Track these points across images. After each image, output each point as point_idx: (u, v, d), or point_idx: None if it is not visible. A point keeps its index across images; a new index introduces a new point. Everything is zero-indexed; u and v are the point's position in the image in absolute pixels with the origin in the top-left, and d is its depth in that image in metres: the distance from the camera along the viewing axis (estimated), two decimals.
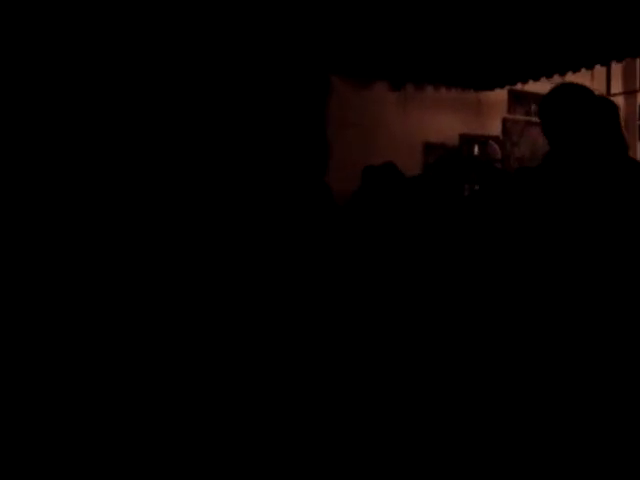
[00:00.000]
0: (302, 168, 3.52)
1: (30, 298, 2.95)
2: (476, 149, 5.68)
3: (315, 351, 2.58)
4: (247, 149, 3.75)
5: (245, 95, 3.80)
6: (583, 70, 4.72)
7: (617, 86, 6.25)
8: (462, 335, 2.29)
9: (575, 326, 1.75)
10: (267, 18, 3.72)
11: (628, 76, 6.34)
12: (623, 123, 1.99)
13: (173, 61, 3.58)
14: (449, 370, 2.31)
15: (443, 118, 5.63)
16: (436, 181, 3.15)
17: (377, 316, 2.62)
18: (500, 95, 5.93)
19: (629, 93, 6.31)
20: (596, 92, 2.03)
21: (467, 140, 5.73)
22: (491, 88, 5.66)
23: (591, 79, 5.11)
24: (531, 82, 5.26)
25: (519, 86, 5.60)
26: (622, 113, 2.05)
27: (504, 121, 6.07)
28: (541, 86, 4.91)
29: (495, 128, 6.00)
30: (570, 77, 4.60)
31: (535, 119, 5.83)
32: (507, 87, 5.74)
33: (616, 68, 5.92)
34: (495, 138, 5.89)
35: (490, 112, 5.93)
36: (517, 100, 6.09)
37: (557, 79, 4.78)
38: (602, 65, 4.79)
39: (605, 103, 1.98)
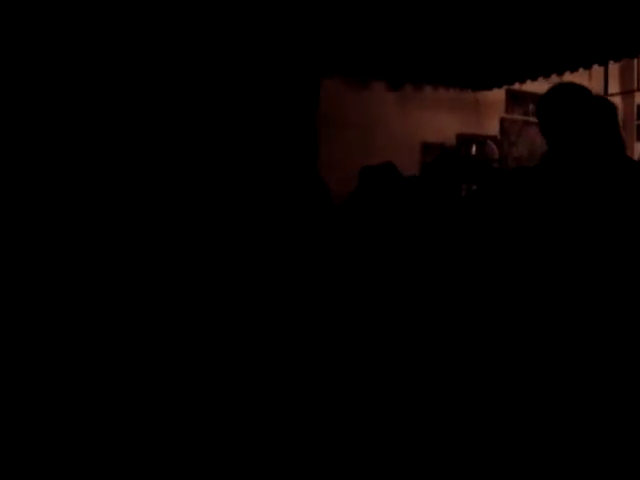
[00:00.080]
0: (291, 167, 3.52)
1: (30, 298, 2.95)
2: (474, 149, 5.67)
3: (311, 352, 2.57)
4: (238, 149, 3.74)
5: (237, 94, 3.80)
6: (581, 70, 4.73)
7: (615, 86, 6.26)
8: (461, 335, 2.29)
9: (574, 326, 1.75)
10: (264, 18, 3.72)
11: (626, 76, 6.35)
12: (621, 123, 1.99)
13: (166, 57, 3.57)
14: (449, 370, 2.31)
15: (441, 118, 5.63)
16: (434, 181, 3.15)
17: (375, 316, 2.62)
18: (498, 95, 5.93)
19: (627, 93, 6.32)
20: (594, 92, 2.03)
21: (465, 140, 5.73)
22: (489, 88, 5.66)
23: (589, 79, 5.13)
24: (529, 82, 5.26)
25: (517, 86, 5.61)
26: (620, 113, 2.05)
27: (502, 121, 6.08)
28: (539, 86, 4.91)
29: (493, 128, 6.01)
30: (568, 77, 4.60)
31: (533, 119, 5.84)
32: (505, 87, 5.75)
33: (614, 68, 5.93)
34: (493, 138, 5.89)
35: (488, 112, 5.94)
36: (515, 100, 6.10)
37: (555, 79, 4.78)
38: (600, 65, 4.79)
39: (603, 103, 1.99)
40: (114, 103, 3.42)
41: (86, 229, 3.22)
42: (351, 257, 2.77)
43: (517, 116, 6.14)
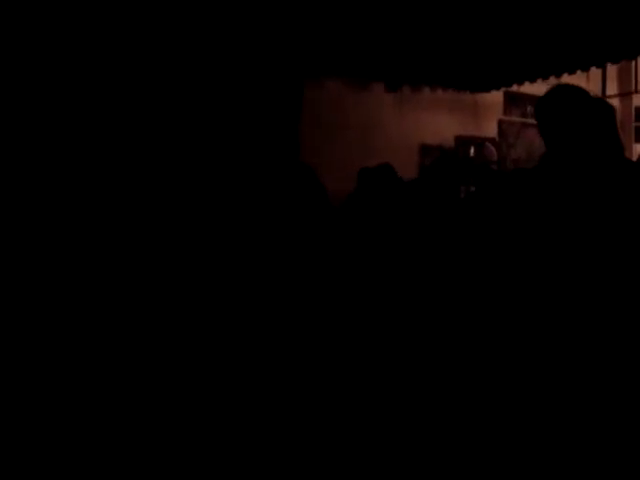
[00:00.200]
0: (272, 167, 3.53)
1: (30, 298, 2.94)
2: (472, 151, 5.68)
3: (308, 354, 2.57)
4: (224, 149, 3.74)
5: (222, 96, 3.80)
6: (579, 72, 4.74)
7: (612, 88, 6.27)
8: (460, 337, 2.28)
9: (574, 327, 1.75)
10: (263, 18, 3.72)
11: (623, 78, 6.37)
12: (619, 125, 1.99)
13: (156, 55, 3.57)
14: (449, 370, 2.31)
15: (439, 120, 5.64)
16: (432, 183, 3.15)
17: (374, 318, 2.62)
18: (496, 97, 5.94)
19: (624, 95, 6.34)
20: (592, 94, 2.03)
21: (463, 142, 5.74)
22: (487, 90, 5.67)
23: (587, 81, 5.14)
24: (527, 84, 5.27)
25: (515, 88, 5.62)
26: (618, 115, 2.05)
27: (500, 123, 6.09)
28: (537, 88, 4.92)
29: (491, 130, 6.02)
30: (566, 79, 4.61)
31: (531, 121, 5.85)
32: (503, 89, 5.75)
33: (611, 70, 5.95)
34: (491, 140, 5.90)
35: (486, 114, 5.95)
36: (513, 102, 6.11)
37: (553, 81, 4.79)
38: (598, 67, 4.80)
39: (601, 104, 1.99)
40: (104, 103, 3.42)
41: (82, 228, 3.22)
42: (349, 258, 2.77)
43: (515, 118, 6.15)
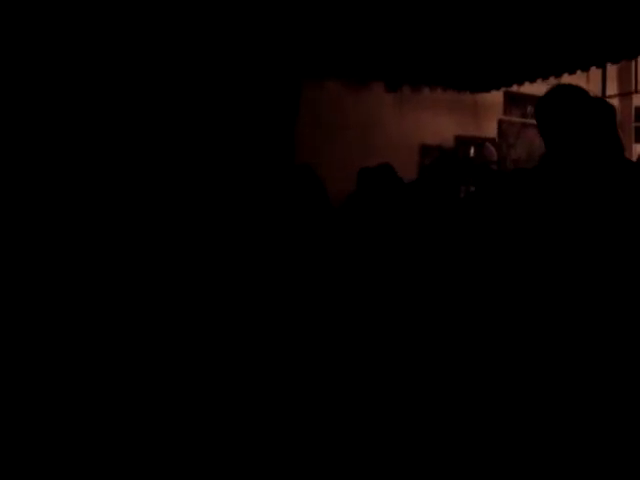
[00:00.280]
0: (266, 168, 3.53)
1: (30, 298, 2.94)
2: (472, 151, 5.69)
3: (308, 354, 2.57)
4: (221, 149, 3.75)
5: (218, 96, 3.80)
6: (579, 72, 4.73)
7: (612, 88, 6.27)
8: (459, 338, 2.28)
9: (573, 327, 1.75)
10: (261, 18, 3.72)
11: (623, 78, 6.36)
12: (618, 125, 1.99)
13: (152, 55, 3.57)
14: (449, 370, 2.31)
15: (439, 120, 5.64)
16: (432, 183, 3.15)
17: (373, 318, 2.62)
18: (496, 97, 5.94)
19: (624, 95, 6.34)
20: (592, 94, 2.03)
21: (463, 142, 5.74)
22: (487, 90, 5.67)
23: (587, 81, 5.13)
24: (527, 84, 5.27)
25: (515, 88, 5.61)
26: (617, 115, 2.05)
27: (500, 123, 6.08)
28: (537, 88, 4.92)
29: (491, 130, 6.02)
30: (566, 79, 4.61)
31: (531, 121, 5.85)
32: (503, 89, 5.75)
33: (611, 70, 5.95)
34: (491, 140, 5.90)
35: (486, 114, 5.95)
36: (513, 102, 6.11)
37: (553, 81, 4.79)
38: (598, 67, 4.80)
39: (601, 104, 1.99)
40: (100, 99, 3.42)
41: (81, 228, 3.22)
42: (349, 258, 2.77)
43: (515, 118, 6.15)
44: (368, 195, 3.12)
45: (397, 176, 3.20)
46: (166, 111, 3.60)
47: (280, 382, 2.51)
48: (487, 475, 1.98)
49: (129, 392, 2.63)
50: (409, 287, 2.64)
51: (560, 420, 1.75)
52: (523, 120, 6.13)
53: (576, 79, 4.40)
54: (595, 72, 5.27)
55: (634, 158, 5.28)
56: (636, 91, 6.22)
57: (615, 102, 5.91)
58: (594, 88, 5.62)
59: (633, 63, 6.03)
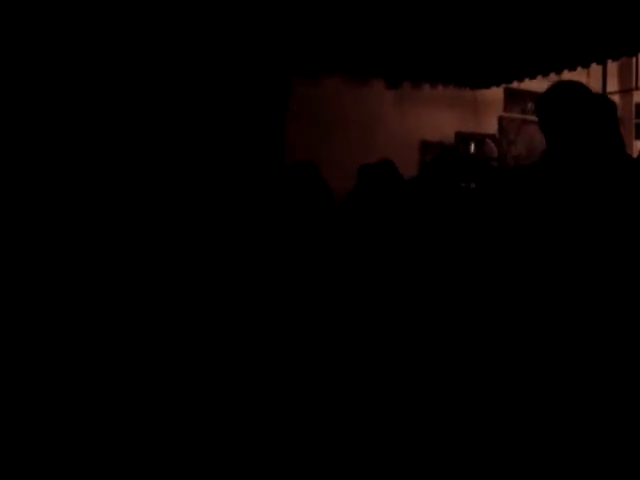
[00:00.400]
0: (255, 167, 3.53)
1: (30, 298, 2.94)
2: (473, 147, 5.68)
3: (310, 352, 2.57)
4: (218, 144, 3.74)
5: (208, 95, 3.80)
6: (579, 68, 4.73)
7: (613, 84, 6.26)
8: (460, 334, 2.28)
9: (574, 325, 1.75)
10: (260, 18, 3.71)
11: (624, 74, 6.35)
12: (619, 121, 1.99)
13: (146, 52, 3.56)
14: (449, 369, 2.31)
15: (440, 116, 5.63)
16: (432, 179, 3.15)
17: (375, 315, 2.62)
18: (496, 93, 5.93)
19: (625, 92, 6.33)
20: (592, 90, 2.02)
21: (464, 138, 5.73)
22: (487, 86, 5.66)
23: (587, 77, 5.12)
24: (527, 80, 5.26)
25: (515, 84, 5.61)
26: (618, 111, 2.05)
27: (500, 119, 6.08)
28: (537, 84, 4.92)
29: (492, 126, 6.01)
30: (566, 75, 4.61)
31: (531, 117, 5.85)
32: (503, 85, 5.75)
33: (612, 66, 5.93)
34: (492, 136, 5.90)
35: (486, 110, 5.94)
36: (513, 98, 6.10)
37: (553, 77, 4.79)
38: (598, 63, 4.80)
39: (602, 101, 1.98)
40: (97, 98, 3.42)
41: (80, 227, 3.22)
42: (351, 255, 2.77)
43: (515, 114, 6.14)
44: (369, 192, 3.12)
45: (398, 172, 3.20)
46: (154, 107, 3.60)
47: (280, 381, 2.51)
48: (487, 475, 1.98)
49: (129, 392, 2.63)
50: (410, 283, 2.64)
51: (560, 419, 1.75)
52: (523, 116, 6.12)
53: (577, 75, 4.40)
54: (596, 69, 5.26)
55: (635, 154, 5.26)
56: (637, 88, 6.21)
57: (616, 99, 5.90)
58: (595, 85, 5.61)
59: (634, 60, 6.02)
